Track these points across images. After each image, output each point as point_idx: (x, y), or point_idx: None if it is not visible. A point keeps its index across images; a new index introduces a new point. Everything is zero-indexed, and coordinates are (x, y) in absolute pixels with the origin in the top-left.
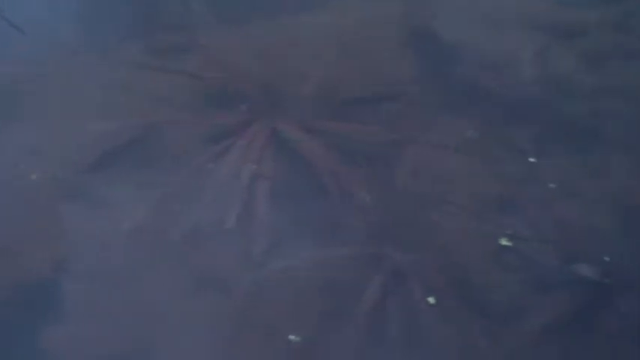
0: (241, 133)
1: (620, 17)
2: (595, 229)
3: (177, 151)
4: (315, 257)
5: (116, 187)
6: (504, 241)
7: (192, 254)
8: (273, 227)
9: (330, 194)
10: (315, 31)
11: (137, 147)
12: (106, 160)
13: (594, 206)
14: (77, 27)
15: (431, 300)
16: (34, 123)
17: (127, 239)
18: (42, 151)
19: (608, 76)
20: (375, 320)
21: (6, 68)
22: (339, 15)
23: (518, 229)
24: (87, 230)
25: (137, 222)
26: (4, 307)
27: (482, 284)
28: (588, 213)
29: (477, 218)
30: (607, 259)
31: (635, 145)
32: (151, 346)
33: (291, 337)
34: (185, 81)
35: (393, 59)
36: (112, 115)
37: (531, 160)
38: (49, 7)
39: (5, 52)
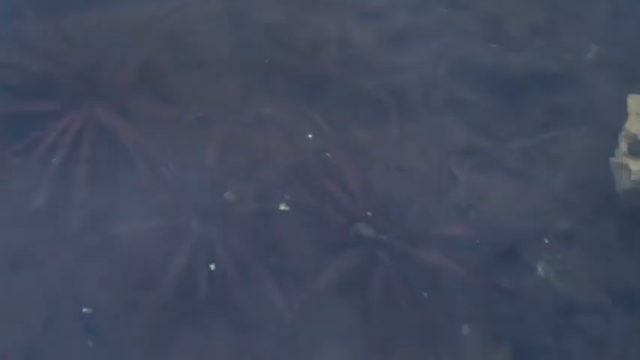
0: (59, 119)
1: None
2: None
3: None
4: (124, 230)
5: None
6: (283, 206)
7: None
8: (88, 205)
9: (140, 171)
10: (135, 19)
11: None
12: None
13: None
14: None
15: (212, 267)
16: None
17: None
18: None
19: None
20: (183, 287)
21: None
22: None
23: (300, 194)
24: None
25: None
26: None
27: (271, 245)
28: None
29: (265, 187)
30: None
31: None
32: None
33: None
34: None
35: (209, 41)
36: None
37: (310, 136)
38: None
39: None
